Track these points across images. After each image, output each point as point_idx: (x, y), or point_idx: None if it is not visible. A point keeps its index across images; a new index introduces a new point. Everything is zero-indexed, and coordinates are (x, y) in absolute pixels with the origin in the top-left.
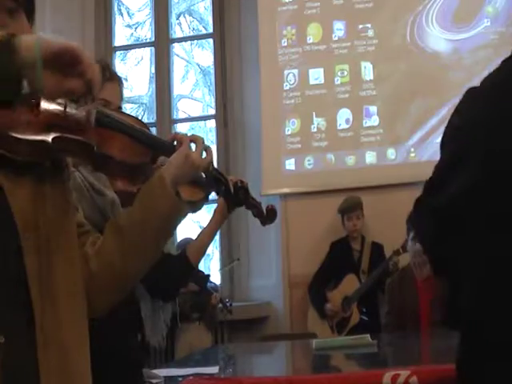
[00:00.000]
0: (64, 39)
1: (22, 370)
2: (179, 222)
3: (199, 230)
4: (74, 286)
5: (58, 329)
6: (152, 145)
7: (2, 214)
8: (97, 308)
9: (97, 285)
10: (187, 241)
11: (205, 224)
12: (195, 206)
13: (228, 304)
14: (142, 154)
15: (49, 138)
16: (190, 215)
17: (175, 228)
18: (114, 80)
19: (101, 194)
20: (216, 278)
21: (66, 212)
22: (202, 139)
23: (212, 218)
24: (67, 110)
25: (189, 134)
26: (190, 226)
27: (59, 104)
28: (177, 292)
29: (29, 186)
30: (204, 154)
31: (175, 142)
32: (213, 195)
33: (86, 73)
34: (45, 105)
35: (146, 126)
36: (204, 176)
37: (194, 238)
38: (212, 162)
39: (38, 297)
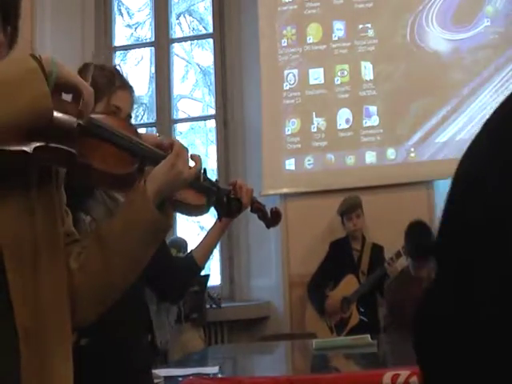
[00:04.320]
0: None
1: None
2: (164, 233)
3: (199, 230)
4: (61, 299)
5: (43, 345)
6: (140, 154)
7: None
8: (80, 320)
9: (80, 298)
10: (176, 240)
11: (205, 224)
12: (199, 210)
13: (217, 299)
14: (128, 163)
15: (30, 147)
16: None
17: (160, 239)
18: (126, 87)
19: (113, 199)
20: (216, 277)
21: (54, 223)
22: (187, 149)
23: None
24: (54, 115)
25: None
26: (189, 227)
27: None
28: (184, 294)
29: (15, 200)
30: (192, 163)
31: (168, 152)
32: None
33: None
34: None
35: (134, 128)
36: (194, 186)
37: (182, 237)
38: (202, 172)
39: (23, 312)
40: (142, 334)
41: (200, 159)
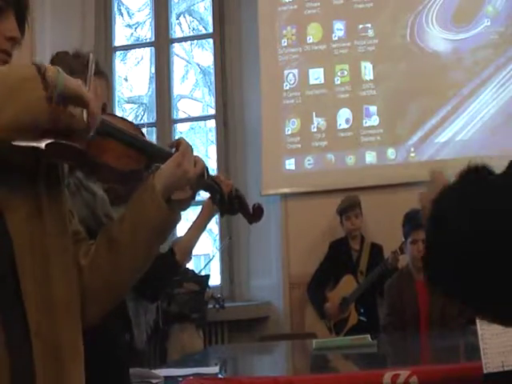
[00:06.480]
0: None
1: (20, 380)
2: (171, 230)
3: (187, 226)
4: (71, 297)
5: (55, 340)
6: (147, 152)
7: None
8: (88, 318)
9: (89, 296)
10: (177, 241)
11: (207, 227)
12: (183, 205)
13: (221, 300)
14: (136, 160)
15: (42, 144)
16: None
17: (167, 236)
18: (102, 76)
19: (89, 192)
20: (216, 277)
21: (63, 223)
22: (192, 148)
23: (198, 216)
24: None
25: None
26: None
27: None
28: (161, 293)
29: (26, 202)
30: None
31: (173, 150)
32: (200, 195)
33: (89, 113)
34: None
35: (140, 129)
36: (198, 184)
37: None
38: (206, 170)
39: (35, 311)
40: (117, 333)
41: (201, 159)
